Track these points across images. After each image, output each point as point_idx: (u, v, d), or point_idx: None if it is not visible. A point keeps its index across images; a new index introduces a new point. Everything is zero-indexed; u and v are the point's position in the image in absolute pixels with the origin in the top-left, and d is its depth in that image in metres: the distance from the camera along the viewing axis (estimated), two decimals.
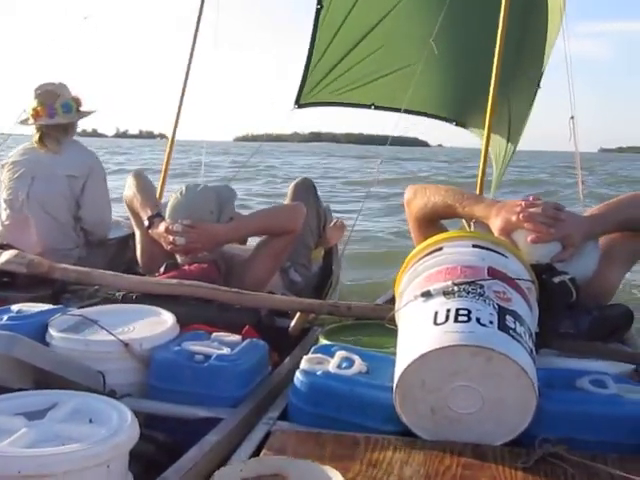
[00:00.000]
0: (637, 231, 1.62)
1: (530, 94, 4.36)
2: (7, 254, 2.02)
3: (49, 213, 2.79)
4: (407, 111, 4.32)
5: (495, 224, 1.55)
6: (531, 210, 1.51)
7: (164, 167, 4.16)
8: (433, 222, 1.75)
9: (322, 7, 4.49)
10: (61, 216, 2.82)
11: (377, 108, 4.83)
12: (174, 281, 1.89)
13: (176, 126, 4.15)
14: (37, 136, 2.87)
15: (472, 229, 1.66)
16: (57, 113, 2.83)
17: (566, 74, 3.86)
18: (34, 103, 2.84)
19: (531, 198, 1.57)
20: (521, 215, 1.51)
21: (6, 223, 2.82)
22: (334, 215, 3.43)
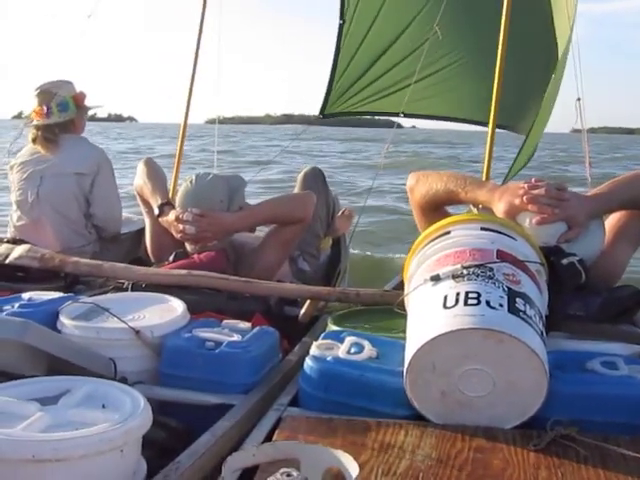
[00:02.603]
0: None
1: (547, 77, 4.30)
2: (20, 249, 2.04)
3: (60, 212, 2.77)
4: (438, 117, 4.26)
5: (499, 208, 1.55)
6: (534, 192, 1.51)
7: (177, 157, 4.07)
8: (437, 209, 1.74)
9: (345, 22, 4.50)
10: (72, 214, 2.80)
11: (407, 116, 4.74)
12: (183, 271, 1.89)
13: (187, 113, 4.06)
14: (31, 137, 2.86)
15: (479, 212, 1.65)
16: (52, 112, 2.80)
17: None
18: (34, 104, 2.83)
19: (533, 180, 1.56)
20: (524, 197, 1.50)
21: (18, 224, 2.81)
22: (342, 203, 3.43)
